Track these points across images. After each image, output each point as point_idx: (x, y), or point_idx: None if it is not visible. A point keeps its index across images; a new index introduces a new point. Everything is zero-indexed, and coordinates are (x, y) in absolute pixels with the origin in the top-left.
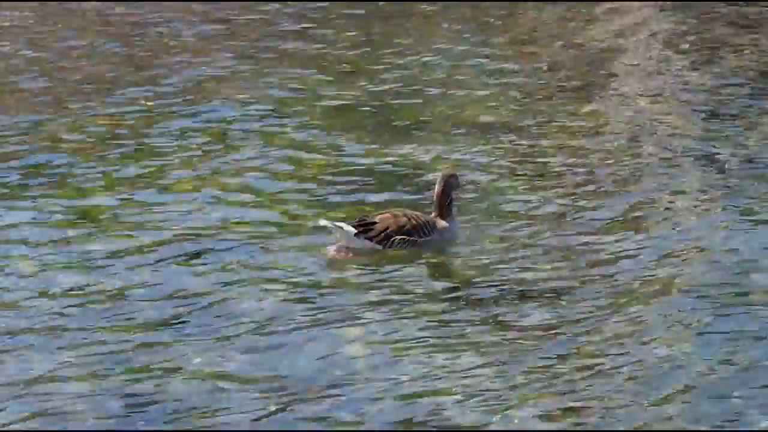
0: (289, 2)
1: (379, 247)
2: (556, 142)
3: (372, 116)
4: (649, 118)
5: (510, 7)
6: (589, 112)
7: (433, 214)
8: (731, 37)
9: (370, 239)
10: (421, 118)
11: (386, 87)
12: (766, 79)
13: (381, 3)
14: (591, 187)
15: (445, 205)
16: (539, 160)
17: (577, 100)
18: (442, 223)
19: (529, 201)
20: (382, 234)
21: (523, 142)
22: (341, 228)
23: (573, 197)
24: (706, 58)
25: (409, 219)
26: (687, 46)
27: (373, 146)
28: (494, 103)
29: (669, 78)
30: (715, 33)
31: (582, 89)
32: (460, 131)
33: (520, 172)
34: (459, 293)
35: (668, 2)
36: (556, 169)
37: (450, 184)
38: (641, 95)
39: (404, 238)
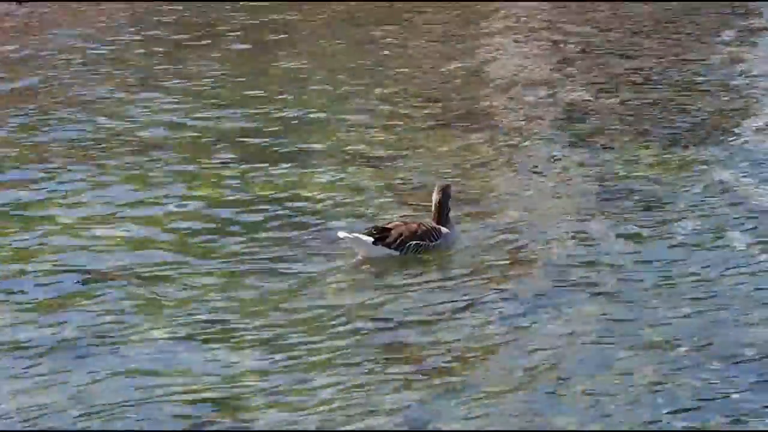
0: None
1: (397, 253)
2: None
3: (255, 147)
4: (523, 143)
5: (398, 32)
6: (465, 146)
7: (433, 222)
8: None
9: (388, 246)
10: (306, 148)
11: (269, 117)
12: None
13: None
14: (470, 209)
15: (444, 213)
16: (422, 192)
17: (454, 129)
18: (444, 230)
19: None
20: (399, 240)
21: (407, 172)
22: (360, 239)
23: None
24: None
25: (419, 225)
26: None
27: (259, 177)
28: (379, 132)
29: (553, 101)
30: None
31: (462, 118)
32: (345, 161)
33: (410, 203)
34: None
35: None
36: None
37: (447, 193)
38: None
39: (418, 243)
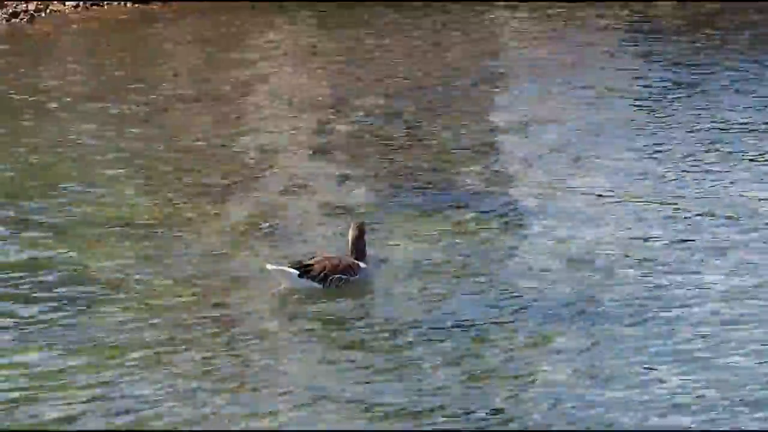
0: None
1: (320, 285)
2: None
3: None
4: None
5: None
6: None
7: (351, 258)
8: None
9: (312, 279)
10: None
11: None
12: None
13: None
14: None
15: (360, 249)
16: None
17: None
18: (362, 264)
19: None
20: (322, 274)
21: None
22: (286, 271)
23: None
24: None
25: (340, 260)
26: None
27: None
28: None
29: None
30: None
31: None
32: (101, 231)
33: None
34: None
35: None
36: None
37: (362, 230)
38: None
39: (340, 277)
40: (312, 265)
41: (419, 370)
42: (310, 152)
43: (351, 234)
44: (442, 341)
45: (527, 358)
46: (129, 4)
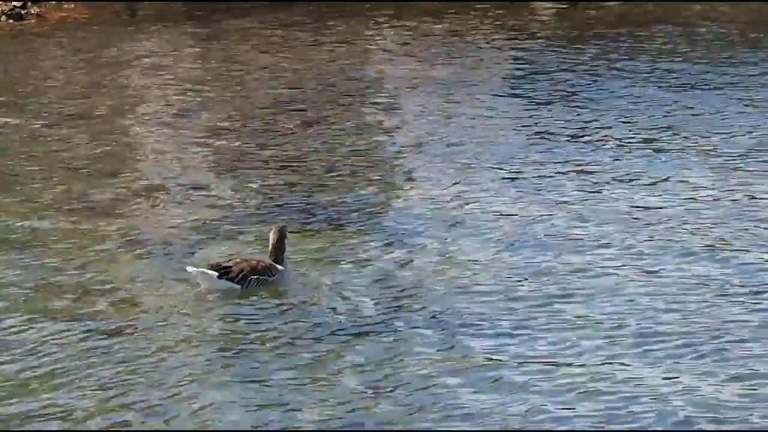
0: None
1: (238, 286)
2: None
3: None
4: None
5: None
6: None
7: (270, 259)
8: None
9: (231, 280)
10: None
11: None
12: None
13: None
14: None
15: (280, 252)
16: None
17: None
18: (280, 267)
19: None
20: (240, 275)
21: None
22: (205, 273)
23: None
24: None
25: (259, 262)
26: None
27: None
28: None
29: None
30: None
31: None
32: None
33: None
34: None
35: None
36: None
37: (283, 233)
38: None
39: (258, 278)
40: (231, 266)
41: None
42: (187, 169)
43: (272, 236)
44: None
45: (432, 367)
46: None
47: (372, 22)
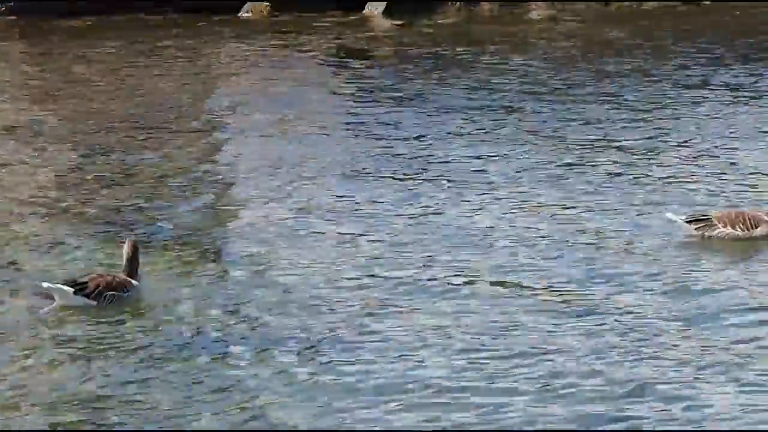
0: None
1: (94, 303)
2: None
3: None
4: None
5: None
6: None
7: (124, 275)
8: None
9: (87, 296)
10: None
11: None
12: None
13: None
14: None
15: (134, 267)
16: None
17: None
18: (134, 282)
19: None
20: (96, 291)
21: None
22: (61, 288)
23: None
24: None
25: (114, 278)
26: None
27: None
28: None
29: None
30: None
31: None
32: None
33: None
34: None
35: None
36: None
37: (136, 248)
38: None
39: (113, 294)
40: (86, 282)
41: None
42: (27, 185)
43: (126, 251)
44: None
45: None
46: None
47: (211, 39)
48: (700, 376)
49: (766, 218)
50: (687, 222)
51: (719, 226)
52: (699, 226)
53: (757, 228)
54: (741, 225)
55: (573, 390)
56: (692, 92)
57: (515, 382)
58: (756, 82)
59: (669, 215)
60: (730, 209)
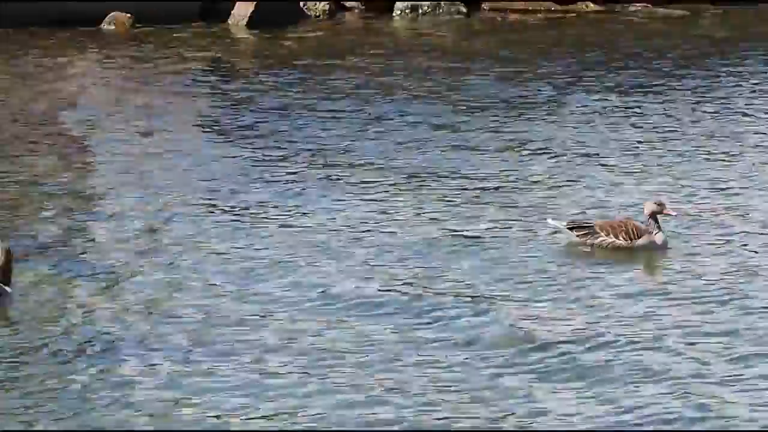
0: None
1: None
2: None
3: None
4: None
5: None
6: None
7: None
8: None
9: None
10: None
11: None
12: None
13: None
14: None
15: (6, 274)
16: None
17: None
18: (8, 289)
19: None
20: None
21: None
22: None
23: None
24: None
25: None
26: None
27: None
28: None
29: None
30: None
31: None
32: None
33: None
34: None
35: None
36: None
37: (10, 255)
38: None
39: None
40: None
41: None
42: None
43: (2, 257)
44: None
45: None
46: None
47: (72, 51)
48: None
49: (644, 228)
50: (569, 229)
51: (602, 234)
52: (581, 233)
53: (639, 238)
54: (624, 234)
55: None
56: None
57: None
58: (626, 89)
59: (551, 221)
60: (609, 218)
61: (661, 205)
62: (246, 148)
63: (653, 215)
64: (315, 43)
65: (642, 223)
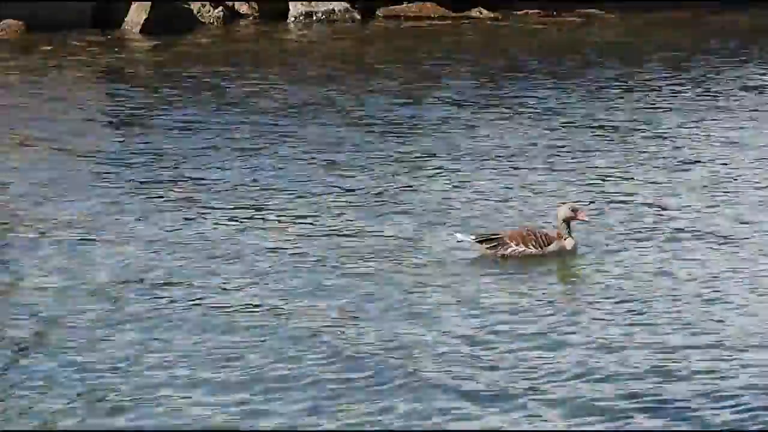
0: None
1: None
2: None
3: None
4: None
5: None
6: None
7: None
8: None
9: None
10: None
11: None
12: None
13: None
14: None
15: None
16: None
17: None
18: None
19: None
20: None
21: None
22: None
23: None
24: None
25: None
26: None
27: None
28: None
29: None
30: None
31: None
32: None
33: None
34: None
35: None
36: None
37: None
38: None
39: None
40: None
41: None
42: None
43: None
44: None
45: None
46: None
47: None
48: None
49: (553, 235)
50: (478, 242)
51: (512, 244)
52: (491, 245)
53: (549, 245)
54: (533, 242)
55: None
56: (464, 112)
57: None
58: (540, 99)
59: (458, 235)
60: (519, 228)
61: (575, 210)
62: (136, 155)
63: (567, 220)
64: (210, 50)
65: (554, 227)
